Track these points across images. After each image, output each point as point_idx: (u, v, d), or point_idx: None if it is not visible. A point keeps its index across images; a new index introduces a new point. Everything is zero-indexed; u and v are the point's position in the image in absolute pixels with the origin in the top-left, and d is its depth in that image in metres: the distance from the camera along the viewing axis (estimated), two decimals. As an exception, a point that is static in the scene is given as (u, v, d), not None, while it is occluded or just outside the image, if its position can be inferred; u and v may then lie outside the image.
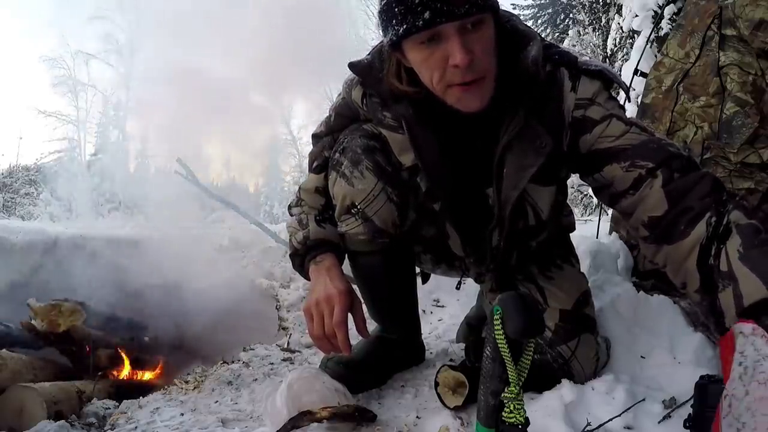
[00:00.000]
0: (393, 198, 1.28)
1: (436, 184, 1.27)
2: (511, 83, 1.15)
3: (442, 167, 1.25)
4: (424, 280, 1.76)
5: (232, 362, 1.98)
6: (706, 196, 1.05)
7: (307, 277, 1.33)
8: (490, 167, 1.22)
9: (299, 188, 1.43)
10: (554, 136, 1.19)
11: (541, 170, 1.20)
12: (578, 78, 1.19)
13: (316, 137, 1.46)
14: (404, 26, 1.02)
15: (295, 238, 1.34)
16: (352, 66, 1.27)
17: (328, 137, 1.42)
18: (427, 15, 0.99)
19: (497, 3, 1.09)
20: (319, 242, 1.31)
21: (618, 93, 1.37)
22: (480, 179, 1.27)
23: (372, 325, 1.72)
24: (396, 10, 1.02)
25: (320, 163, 1.39)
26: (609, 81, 1.20)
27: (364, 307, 1.33)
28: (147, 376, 2.61)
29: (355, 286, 1.34)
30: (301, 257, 1.33)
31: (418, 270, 1.61)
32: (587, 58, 1.23)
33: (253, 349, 2.08)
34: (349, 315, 1.25)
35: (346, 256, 1.39)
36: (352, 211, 1.29)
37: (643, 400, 1.23)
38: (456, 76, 1.05)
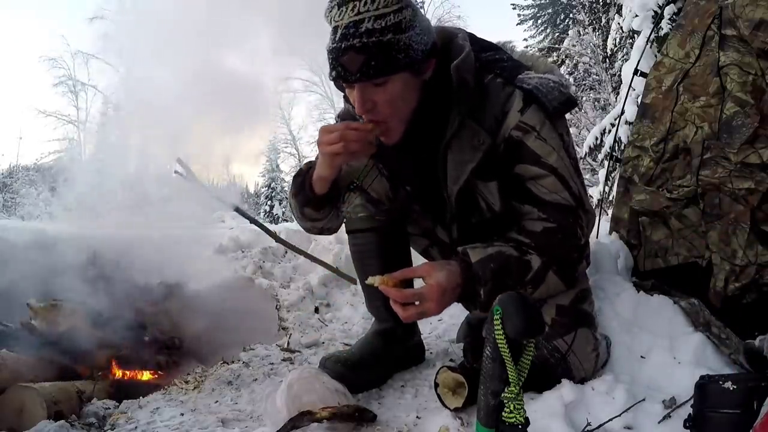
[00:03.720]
0: (384, 172, 1.46)
1: (406, 182, 1.43)
2: (449, 92, 1.28)
3: (407, 168, 1.40)
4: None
5: (232, 362, 1.98)
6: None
7: (306, 194, 1.39)
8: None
9: None
10: (492, 136, 1.28)
11: (481, 166, 1.29)
12: (530, 105, 1.26)
13: None
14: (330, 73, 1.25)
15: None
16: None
17: None
18: (334, 74, 1.22)
19: (410, 61, 1.19)
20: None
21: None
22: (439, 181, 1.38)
23: (369, 324, 1.71)
24: (327, 59, 1.23)
25: None
26: (543, 106, 1.25)
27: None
28: (146, 376, 2.61)
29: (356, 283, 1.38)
30: (303, 175, 1.40)
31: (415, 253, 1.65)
32: (530, 75, 1.28)
33: (253, 349, 2.08)
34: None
35: (347, 242, 1.55)
36: (351, 187, 1.46)
37: (643, 400, 1.24)
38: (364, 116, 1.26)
